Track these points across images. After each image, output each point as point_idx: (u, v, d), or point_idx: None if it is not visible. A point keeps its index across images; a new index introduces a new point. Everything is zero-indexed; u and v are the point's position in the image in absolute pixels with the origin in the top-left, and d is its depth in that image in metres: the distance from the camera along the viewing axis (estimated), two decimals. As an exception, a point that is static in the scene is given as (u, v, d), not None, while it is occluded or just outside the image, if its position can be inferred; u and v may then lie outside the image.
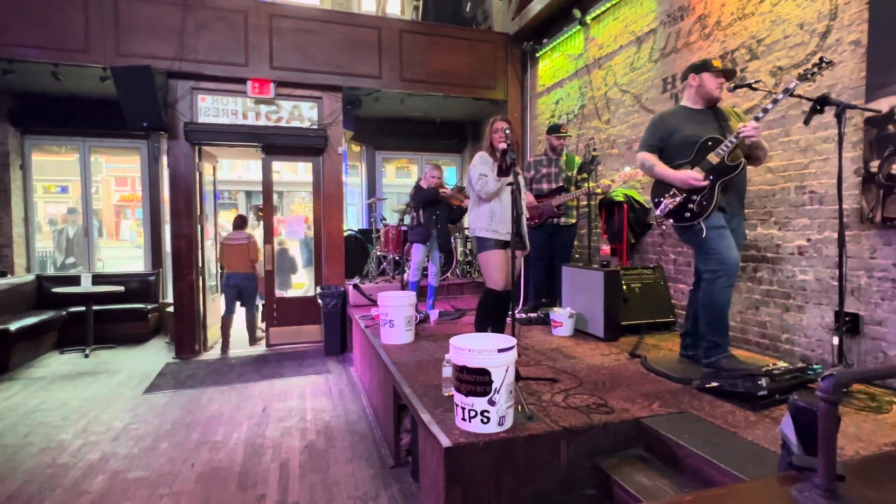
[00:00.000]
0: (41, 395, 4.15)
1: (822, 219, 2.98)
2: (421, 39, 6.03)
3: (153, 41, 5.06)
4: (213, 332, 5.83)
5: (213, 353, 5.50)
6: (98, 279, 5.89)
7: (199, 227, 5.49)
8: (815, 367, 2.62)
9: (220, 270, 6.21)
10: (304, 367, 4.96)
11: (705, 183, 2.65)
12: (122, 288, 5.70)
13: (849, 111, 2.49)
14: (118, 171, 11.06)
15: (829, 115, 2.55)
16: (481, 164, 3.16)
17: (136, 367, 5.00)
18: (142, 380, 4.56)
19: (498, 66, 6.36)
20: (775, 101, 2.58)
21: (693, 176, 2.67)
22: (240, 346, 5.79)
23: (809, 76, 2.47)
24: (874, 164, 2.64)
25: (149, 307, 6.07)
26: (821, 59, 2.45)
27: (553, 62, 5.88)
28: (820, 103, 2.46)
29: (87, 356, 5.32)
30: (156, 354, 5.47)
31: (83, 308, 5.45)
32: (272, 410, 3.83)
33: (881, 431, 2.06)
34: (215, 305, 6.03)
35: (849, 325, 2.77)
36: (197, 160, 5.44)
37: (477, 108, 7.06)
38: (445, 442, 1.98)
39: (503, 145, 3.04)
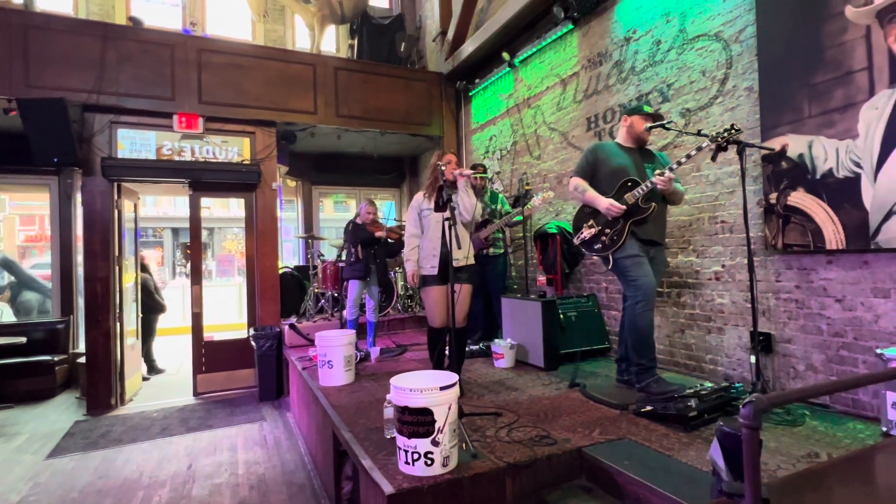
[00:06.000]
0: (-83, 470, 3.58)
1: (733, 246, 3.24)
2: (356, 77, 6.10)
3: (68, 73, 4.76)
4: (132, 383, 5.34)
5: (132, 407, 5.02)
6: (-5, 330, 5.27)
7: (116, 268, 5.08)
8: (737, 385, 2.80)
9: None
10: (235, 416, 4.64)
11: (622, 209, 2.88)
12: (23, 339, 5.11)
13: (748, 149, 2.77)
14: (24, 209, 10.12)
15: (732, 152, 2.83)
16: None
17: (38, 427, 4.45)
18: (45, 442, 4.06)
19: (433, 103, 6.53)
20: (689, 157, 2.87)
21: (614, 204, 2.90)
22: (166, 396, 5.34)
23: (720, 139, 2.70)
24: (773, 196, 2.93)
25: (56, 359, 5.48)
26: (732, 125, 2.70)
27: (486, 101, 6.13)
28: (724, 142, 2.72)
29: (-22, 419, 4.69)
30: (63, 412, 4.91)
31: (-25, 364, 4.83)
32: (199, 466, 3.52)
33: (798, 444, 2.21)
34: (135, 354, 5.55)
35: (763, 343, 2.99)
36: (116, 197, 5.09)
37: (414, 144, 7.18)
38: (388, 489, 1.89)
39: (440, 182, 3.10)
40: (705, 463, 1.99)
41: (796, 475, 1.24)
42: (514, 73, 5.50)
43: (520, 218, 4.41)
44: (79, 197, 5.74)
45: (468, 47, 5.83)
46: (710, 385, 2.78)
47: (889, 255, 2.47)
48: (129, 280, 5.40)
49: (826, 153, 2.67)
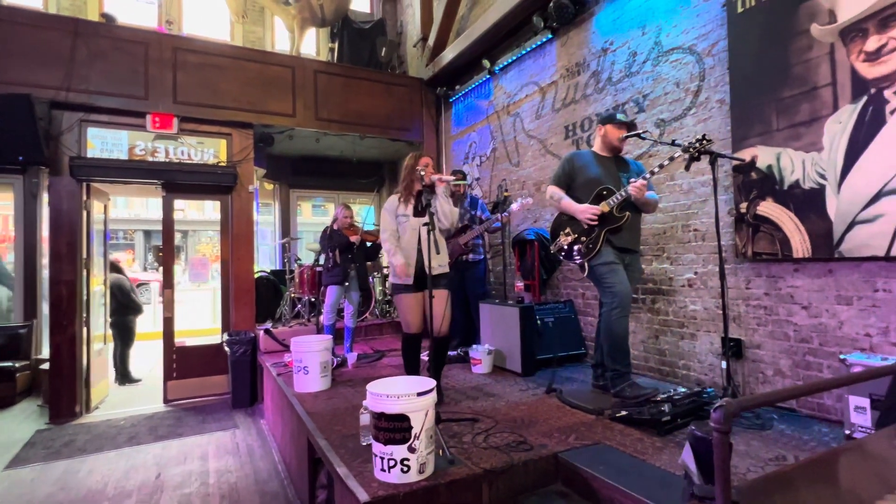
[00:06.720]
0: None
1: (705, 254, 3.31)
2: (336, 80, 6.07)
3: (35, 69, 4.60)
4: (99, 390, 5.17)
5: (98, 415, 4.85)
6: (-49, 335, 5.03)
7: (84, 271, 4.92)
8: (708, 390, 2.85)
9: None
10: (207, 424, 4.52)
11: (598, 210, 2.92)
12: (-18, 344, 4.91)
13: (720, 159, 2.84)
14: (-14, 209, 9.71)
15: (704, 162, 2.90)
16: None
17: (-4, 437, 4.26)
18: (3, 452, 3.88)
19: (414, 108, 6.54)
20: (661, 166, 2.93)
21: (591, 209, 2.94)
22: (134, 403, 5.17)
23: (693, 150, 2.76)
24: (743, 206, 3.01)
25: (17, 365, 5.24)
26: (704, 136, 2.76)
27: (466, 107, 6.16)
28: (696, 152, 2.78)
29: (-70, 429, 4.46)
30: (24, 420, 4.71)
31: (-71, 370, 4.60)
32: (168, 476, 3.41)
33: (766, 447, 2.26)
34: (101, 360, 5.37)
35: (733, 349, 3.06)
36: (84, 198, 4.93)
37: (394, 149, 7.16)
38: (363, 496, 1.87)
39: (419, 186, 3.09)
40: (678, 467, 2.02)
41: (764, 478, 1.27)
42: (494, 80, 5.55)
43: (499, 224, 4.43)
44: (45, 197, 5.54)
45: (449, 54, 5.86)
46: (683, 390, 2.83)
47: (852, 264, 2.56)
48: (96, 283, 5.23)
49: (793, 165, 2.76)
